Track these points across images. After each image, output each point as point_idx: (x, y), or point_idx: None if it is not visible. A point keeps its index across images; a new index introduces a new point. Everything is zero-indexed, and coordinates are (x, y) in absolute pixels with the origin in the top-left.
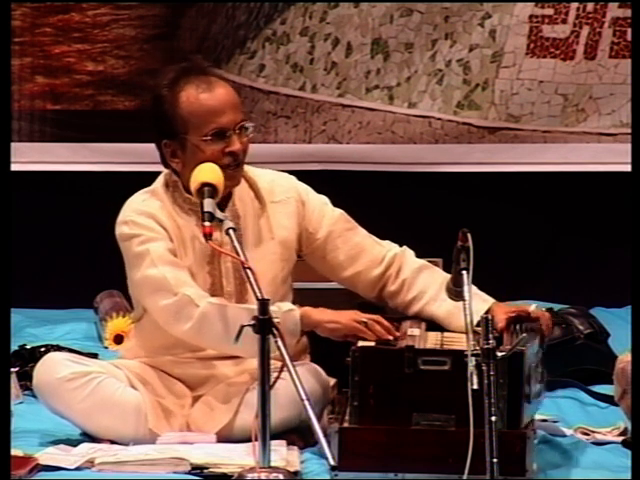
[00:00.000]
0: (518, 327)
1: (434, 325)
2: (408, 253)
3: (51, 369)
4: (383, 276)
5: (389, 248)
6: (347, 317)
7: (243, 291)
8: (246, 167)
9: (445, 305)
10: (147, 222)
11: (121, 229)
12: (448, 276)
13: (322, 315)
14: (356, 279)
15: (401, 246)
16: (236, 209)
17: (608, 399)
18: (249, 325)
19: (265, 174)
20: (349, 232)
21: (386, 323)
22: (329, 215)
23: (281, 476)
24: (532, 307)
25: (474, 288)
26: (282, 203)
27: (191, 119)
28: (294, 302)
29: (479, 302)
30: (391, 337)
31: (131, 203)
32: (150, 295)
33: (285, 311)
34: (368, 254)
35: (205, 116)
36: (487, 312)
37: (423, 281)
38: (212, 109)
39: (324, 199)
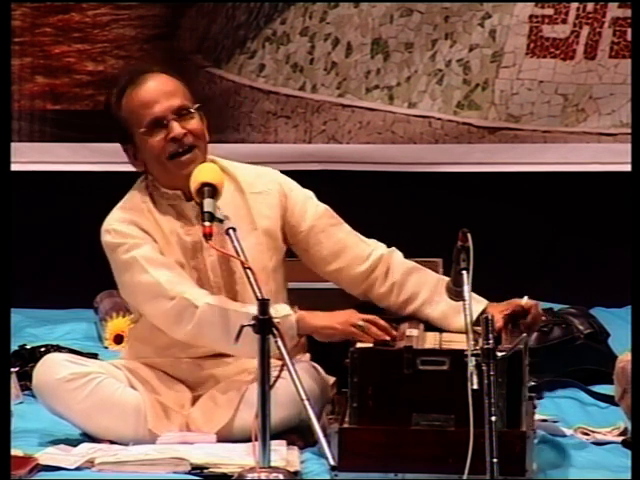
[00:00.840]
0: (513, 326)
1: (433, 325)
2: (396, 254)
3: (50, 370)
4: (369, 276)
5: (375, 247)
6: (343, 321)
7: (232, 282)
8: (225, 162)
9: (440, 307)
10: (129, 229)
11: (105, 238)
12: (439, 277)
13: (318, 320)
14: (339, 275)
15: (389, 246)
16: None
17: (608, 399)
18: (249, 325)
19: (245, 167)
20: (333, 228)
21: (382, 323)
22: (312, 210)
23: (281, 476)
24: (524, 299)
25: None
26: (263, 194)
27: (130, 117)
28: (290, 300)
29: (474, 303)
30: (388, 337)
31: (113, 211)
32: (147, 302)
33: (282, 316)
34: (351, 251)
35: (139, 110)
36: (483, 312)
37: (414, 283)
38: (144, 101)
39: (309, 193)
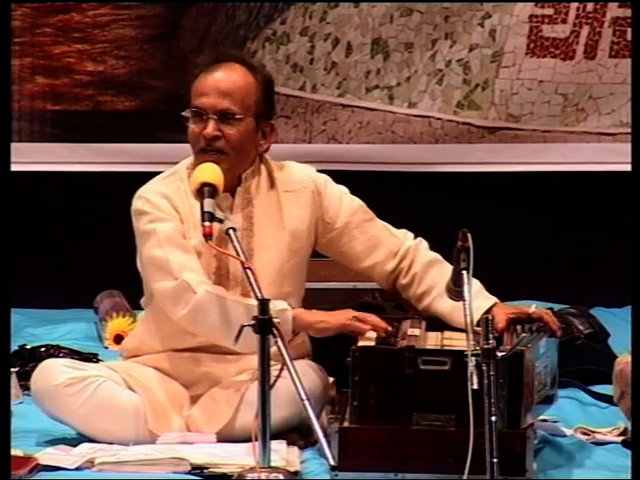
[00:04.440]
0: (520, 327)
1: (434, 325)
2: (422, 246)
3: (48, 376)
4: (396, 268)
5: (404, 240)
6: (337, 317)
7: None
8: (270, 160)
9: (450, 301)
10: (159, 202)
11: (135, 204)
12: None
13: (313, 317)
14: (372, 270)
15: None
16: (251, 197)
17: (608, 399)
18: (249, 325)
19: (283, 164)
20: (367, 223)
21: (377, 319)
22: (347, 205)
23: (281, 476)
24: (532, 308)
25: (478, 285)
26: (296, 193)
27: (190, 96)
28: (304, 299)
29: (482, 299)
30: (382, 331)
31: (151, 181)
32: (152, 275)
33: (278, 310)
34: (384, 247)
35: (194, 94)
36: (488, 312)
37: (432, 276)
38: (199, 89)
39: (343, 189)
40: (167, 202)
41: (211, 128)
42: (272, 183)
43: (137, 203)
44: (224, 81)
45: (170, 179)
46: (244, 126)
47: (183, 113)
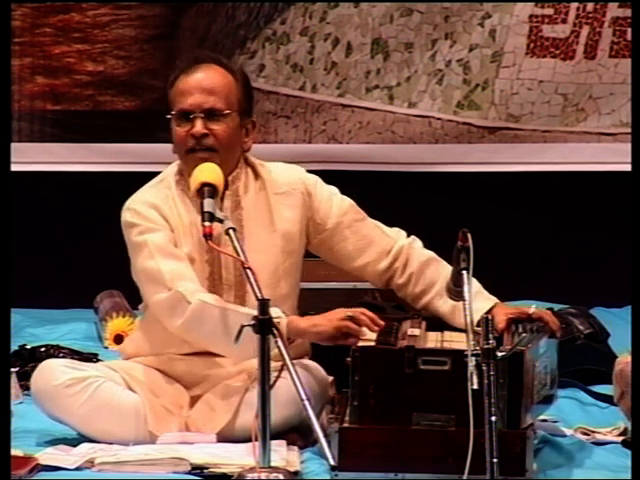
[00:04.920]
0: (521, 327)
1: (434, 325)
2: (416, 244)
3: (48, 376)
4: (390, 268)
5: (397, 239)
6: (331, 318)
7: (243, 282)
8: (253, 159)
9: (449, 301)
10: (148, 213)
11: (124, 216)
12: None
13: (307, 322)
14: (364, 270)
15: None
16: (239, 200)
17: (608, 399)
18: (249, 325)
19: (272, 166)
20: (358, 223)
21: (370, 314)
22: (338, 206)
23: (281, 476)
24: (532, 309)
25: (478, 286)
26: (285, 195)
27: (171, 100)
28: (299, 300)
29: (483, 300)
30: (377, 328)
31: (139, 191)
32: (147, 288)
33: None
34: (376, 246)
35: (176, 97)
36: (488, 312)
37: (430, 275)
38: (181, 90)
39: (333, 189)
40: (156, 212)
41: (200, 126)
42: (260, 185)
43: (126, 215)
44: (206, 80)
45: (158, 187)
46: (230, 122)
47: (168, 116)
